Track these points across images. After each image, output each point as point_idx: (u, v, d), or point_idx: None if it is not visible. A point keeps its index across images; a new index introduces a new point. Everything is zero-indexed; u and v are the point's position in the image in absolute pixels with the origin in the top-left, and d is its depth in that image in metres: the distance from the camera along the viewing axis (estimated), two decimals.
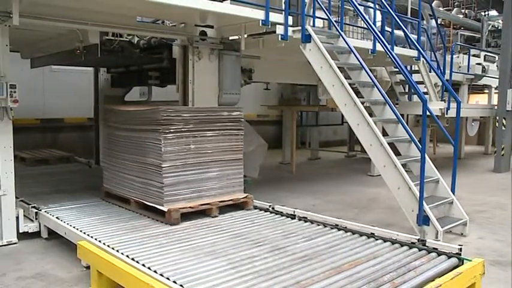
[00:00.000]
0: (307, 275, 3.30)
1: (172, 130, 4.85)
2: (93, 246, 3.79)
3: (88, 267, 3.87)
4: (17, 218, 5.02)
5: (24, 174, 7.46)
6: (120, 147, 5.50)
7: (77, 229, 4.50)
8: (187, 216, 4.91)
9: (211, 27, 6.54)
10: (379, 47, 6.79)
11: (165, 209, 4.75)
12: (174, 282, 3.13)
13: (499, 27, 16.47)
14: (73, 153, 9.75)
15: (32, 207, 5.25)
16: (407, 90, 10.44)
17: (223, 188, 5.31)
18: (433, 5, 13.82)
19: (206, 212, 5.05)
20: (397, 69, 8.66)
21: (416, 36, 8.23)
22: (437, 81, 9.40)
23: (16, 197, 5.11)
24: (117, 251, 3.79)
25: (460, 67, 12.15)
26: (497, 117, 11.04)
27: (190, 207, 4.90)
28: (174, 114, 4.89)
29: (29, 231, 5.08)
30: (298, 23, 6.09)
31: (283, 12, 5.93)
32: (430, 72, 9.25)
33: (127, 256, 3.65)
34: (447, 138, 6.00)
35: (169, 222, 4.68)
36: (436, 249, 3.89)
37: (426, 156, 5.35)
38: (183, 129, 4.94)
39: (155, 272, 3.31)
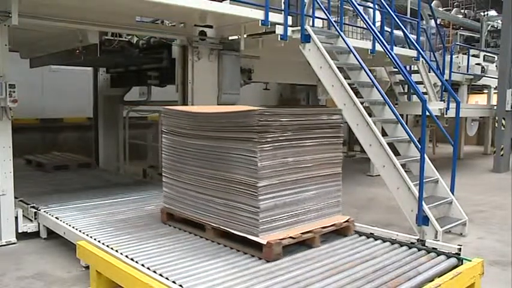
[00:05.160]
0: (307, 275, 3.29)
1: (269, 139, 3.79)
2: (92, 246, 3.79)
3: (87, 267, 3.87)
4: (16, 218, 5.02)
5: (26, 174, 7.50)
6: (191, 160, 4.37)
7: (76, 229, 4.49)
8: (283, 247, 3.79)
9: (211, 27, 6.55)
10: (378, 47, 6.80)
11: (262, 241, 3.65)
12: (174, 282, 3.13)
13: (498, 28, 16.49)
14: (72, 152, 9.74)
15: (31, 207, 5.26)
16: (406, 91, 10.45)
17: (320, 210, 4.26)
18: (432, 5, 13.82)
19: (305, 241, 3.96)
20: (397, 70, 8.67)
21: (415, 37, 8.24)
22: (437, 82, 9.42)
23: (15, 197, 5.11)
24: (116, 251, 3.78)
25: (459, 67, 12.18)
26: (497, 118, 11.05)
27: (291, 237, 3.80)
28: (272, 119, 3.82)
29: (28, 231, 5.08)
30: (298, 23, 6.10)
31: (283, 12, 5.93)
32: (429, 72, 9.26)
33: (126, 256, 3.64)
34: (446, 138, 6.01)
35: (269, 258, 3.60)
36: (436, 249, 3.88)
37: (425, 156, 5.35)
38: (280, 138, 3.88)
39: (154, 272, 3.31)
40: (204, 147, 4.24)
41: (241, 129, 3.86)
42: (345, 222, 4.33)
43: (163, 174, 4.78)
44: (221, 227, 4.03)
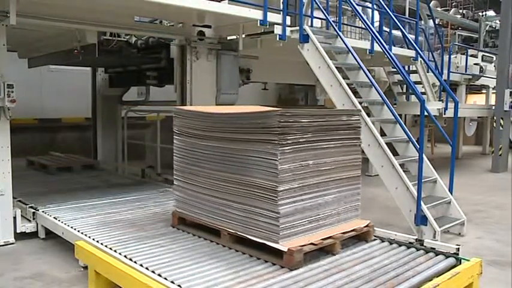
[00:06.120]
0: (305, 275, 3.30)
1: (289, 141, 3.63)
2: (90, 246, 3.78)
3: (86, 268, 3.87)
4: (15, 218, 5.02)
5: (25, 175, 7.47)
6: (206, 162, 4.19)
7: (75, 229, 4.49)
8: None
9: (209, 27, 6.55)
10: (377, 47, 6.81)
11: (283, 248, 3.49)
12: (172, 282, 3.13)
13: (497, 28, 16.53)
14: (71, 153, 9.73)
15: (30, 207, 5.25)
16: (405, 90, 10.47)
17: (340, 214, 4.09)
18: (430, 5, 13.84)
19: (325, 248, 3.78)
20: (395, 70, 8.68)
21: (414, 37, 8.25)
22: (435, 82, 9.43)
23: (14, 197, 5.11)
24: (115, 251, 3.77)
25: (457, 67, 12.20)
26: (495, 117, 11.06)
27: (312, 243, 3.63)
28: (292, 120, 3.64)
29: (26, 232, 5.07)
30: (296, 23, 6.10)
31: (281, 12, 5.93)
32: (428, 72, 9.27)
33: (125, 256, 3.64)
34: (445, 138, 6.01)
35: (290, 266, 3.43)
36: (434, 249, 3.88)
37: (424, 156, 5.35)
38: (301, 140, 3.72)
39: (153, 272, 3.31)
40: (219, 149, 4.06)
41: (260, 130, 3.69)
42: (365, 227, 4.16)
43: (174, 177, 4.61)
44: (238, 232, 3.85)
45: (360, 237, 4.14)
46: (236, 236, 3.88)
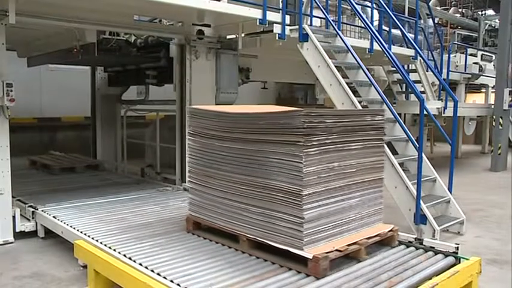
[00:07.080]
0: (304, 275, 3.30)
1: (315, 143, 3.45)
2: (90, 245, 3.78)
3: (85, 267, 3.87)
4: (14, 217, 5.02)
5: (25, 174, 7.48)
6: (223, 165, 4.00)
7: (74, 228, 4.48)
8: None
9: (209, 26, 6.54)
10: (376, 46, 6.81)
11: (307, 254, 3.31)
12: (171, 281, 3.13)
13: (496, 27, 16.51)
14: (71, 152, 9.72)
15: (29, 206, 5.25)
16: (404, 90, 10.46)
17: (363, 219, 3.91)
18: (430, 4, 13.84)
19: (350, 254, 3.60)
20: (395, 69, 8.67)
21: (413, 36, 8.25)
22: (435, 81, 9.43)
23: (13, 197, 5.10)
24: (114, 250, 3.77)
25: (457, 66, 12.20)
26: (494, 117, 11.07)
27: (337, 250, 3.45)
28: (318, 120, 3.45)
29: (26, 231, 5.07)
30: (296, 22, 6.10)
31: (281, 11, 5.93)
32: (427, 71, 9.27)
33: (124, 255, 3.64)
34: (444, 138, 6.02)
35: (316, 273, 3.26)
36: (433, 248, 3.89)
37: (423, 155, 5.35)
38: (326, 141, 3.54)
39: (152, 271, 3.31)
40: (237, 151, 3.86)
41: (282, 131, 3.49)
42: (389, 231, 4.00)
43: (188, 179, 4.49)
44: (258, 238, 3.68)
45: (384, 242, 3.99)
46: (255, 242, 3.72)
